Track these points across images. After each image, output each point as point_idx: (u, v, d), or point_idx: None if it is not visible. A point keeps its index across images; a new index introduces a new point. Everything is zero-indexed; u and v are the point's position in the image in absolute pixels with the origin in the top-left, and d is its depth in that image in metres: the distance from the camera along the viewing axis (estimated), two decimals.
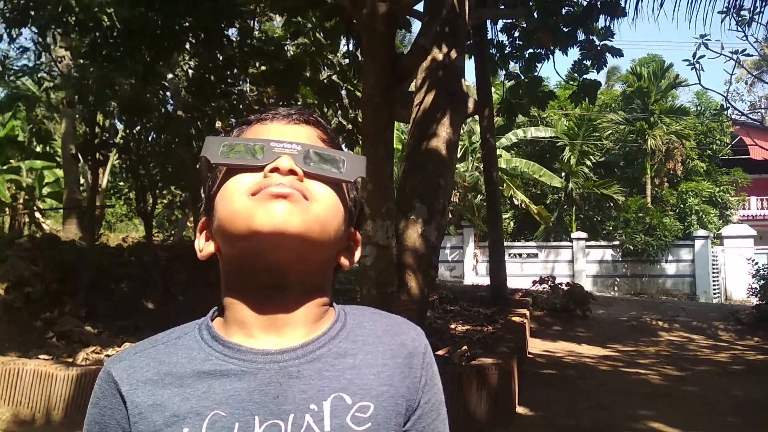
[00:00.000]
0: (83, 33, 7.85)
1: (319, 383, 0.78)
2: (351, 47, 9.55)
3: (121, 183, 12.44)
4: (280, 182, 0.79)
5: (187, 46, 9.01)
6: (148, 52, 8.30)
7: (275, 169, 0.80)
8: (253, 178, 0.81)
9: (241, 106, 10.45)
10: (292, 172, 0.80)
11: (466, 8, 6.10)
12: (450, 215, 20.42)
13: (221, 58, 9.23)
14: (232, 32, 10.13)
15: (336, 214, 0.83)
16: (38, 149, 19.56)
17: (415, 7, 6.51)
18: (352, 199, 0.89)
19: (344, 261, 0.89)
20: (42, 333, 6.65)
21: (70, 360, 5.75)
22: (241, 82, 10.96)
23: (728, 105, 17.06)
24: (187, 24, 8.04)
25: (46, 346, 6.30)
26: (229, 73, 9.71)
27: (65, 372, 5.04)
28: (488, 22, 10.34)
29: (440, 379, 0.90)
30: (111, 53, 8.07)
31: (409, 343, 0.86)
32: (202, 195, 0.91)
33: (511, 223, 24.52)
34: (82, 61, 9.25)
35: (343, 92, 10.46)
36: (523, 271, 20.56)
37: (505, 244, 15.45)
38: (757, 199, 26.67)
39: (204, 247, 0.87)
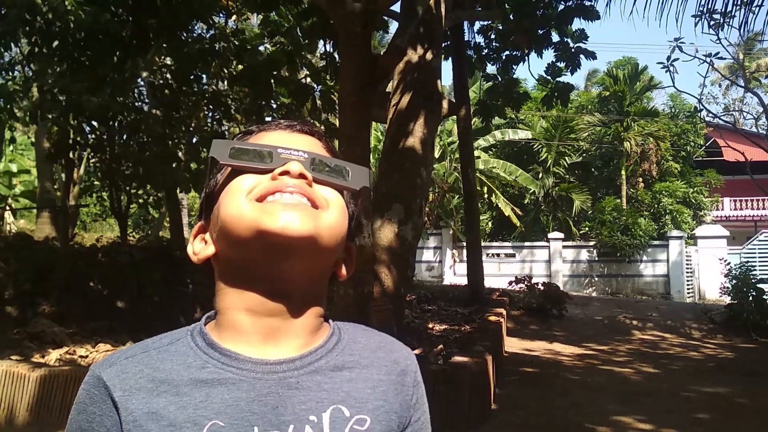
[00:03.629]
0: (48, 38, 7.69)
1: (318, 395, 0.78)
2: (329, 48, 9.54)
3: (96, 182, 12.27)
4: (291, 186, 0.79)
5: (156, 46, 8.92)
6: (114, 55, 8.21)
7: (285, 173, 0.79)
8: (261, 181, 0.80)
9: (212, 105, 10.41)
10: (302, 176, 0.80)
11: (443, 10, 6.13)
12: (428, 215, 20.48)
13: (194, 56, 9.15)
14: (207, 31, 10.09)
15: (343, 221, 0.83)
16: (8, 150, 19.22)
17: (391, 8, 6.52)
18: (351, 212, 0.88)
19: (342, 271, 0.88)
20: (14, 334, 6.55)
21: (43, 360, 5.68)
22: (215, 81, 10.91)
23: (702, 107, 17.39)
24: (152, 23, 7.96)
25: (18, 347, 6.21)
26: (196, 72, 9.64)
27: (36, 373, 4.97)
28: (465, 23, 10.39)
29: (427, 401, 0.91)
30: (78, 58, 7.96)
31: (402, 361, 0.87)
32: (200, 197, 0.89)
33: (489, 224, 24.66)
34: (33, 67, 9.05)
35: (317, 94, 10.46)
36: (501, 271, 20.67)
37: (483, 244, 15.55)
38: (730, 200, 27.11)
39: (201, 250, 0.85)
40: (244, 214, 0.77)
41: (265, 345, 0.79)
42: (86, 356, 5.94)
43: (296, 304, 0.81)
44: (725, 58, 17.88)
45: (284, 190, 0.78)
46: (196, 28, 10.11)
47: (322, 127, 10.20)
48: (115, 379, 0.78)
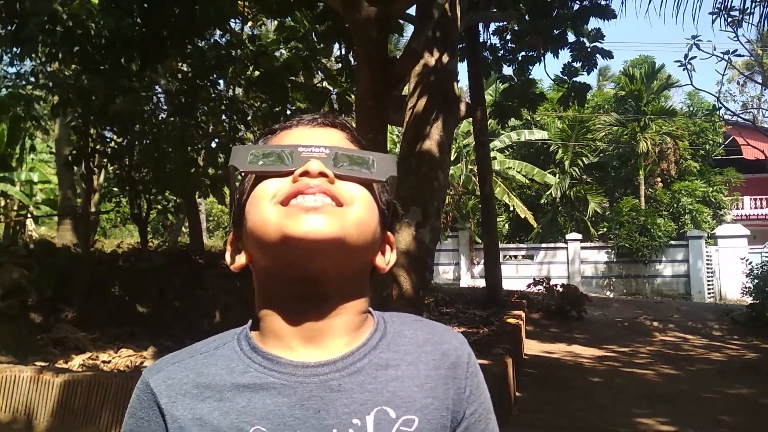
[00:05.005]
0: (68, 45, 7.79)
1: (361, 396, 0.76)
2: (344, 51, 9.58)
3: (115, 189, 12.40)
4: (313, 186, 0.77)
5: (173, 53, 9.01)
6: (134, 61, 8.29)
7: (305, 173, 0.78)
8: (283, 183, 0.79)
9: (229, 112, 10.48)
10: (322, 174, 0.78)
11: (458, 12, 6.13)
12: (445, 218, 20.45)
13: (211, 62, 9.23)
14: (222, 37, 10.17)
15: (372, 215, 0.81)
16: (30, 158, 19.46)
17: (407, 12, 6.54)
18: (384, 201, 0.86)
19: (380, 263, 0.86)
20: (37, 339, 6.63)
21: (66, 366, 5.74)
22: (232, 87, 10.99)
23: (720, 105, 17.20)
24: (167, 33, 8.04)
25: (41, 353, 6.28)
26: (214, 77, 9.71)
27: (60, 378, 5.03)
28: (480, 24, 10.38)
29: (486, 387, 0.87)
30: (98, 65, 8.05)
31: (452, 353, 0.84)
32: (231, 205, 0.89)
33: (506, 225, 24.56)
34: (64, 71, 9.20)
35: (333, 97, 10.49)
36: (519, 273, 20.58)
37: (500, 246, 15.49)
38: (751, 199, 26.77)
39: (236, 259, 0.84)
40: (269, 220, 0.76)
41: (307, 347, 0.79)
42: (109, 361, 5.99)
43: (334, 303, 0.79)
44: (743, 56, 17.68)
45: (306, 192, 0.77)
46: (213, 34, 10.18)
47: None
48: (161, 385, 0.79)
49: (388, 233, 0.88)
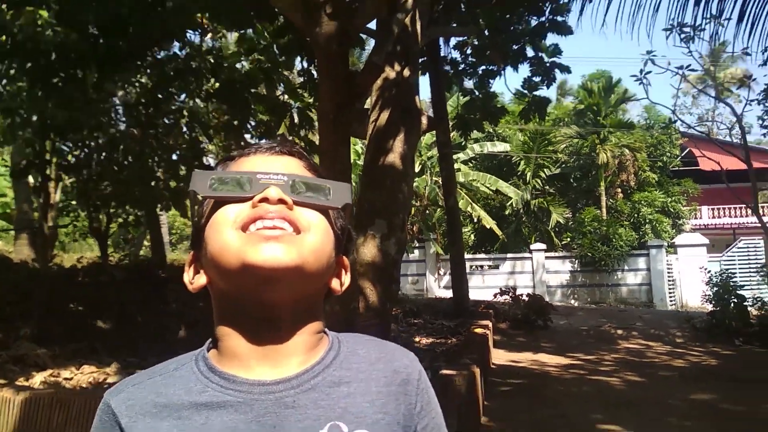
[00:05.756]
0: (20, 58, 7.63)
1: (314, 412, 0.79)
2: (305, 64, 9.57)
3: (73, 202, 12.14)
4: (272, 212, 0.79)
5: (129, 65, 8.87)
6: (86, 75, 8.15)
7: (264, 199, 0.80)
8: (243, 209, 0.81)
9: (191, 124, 10.36)
10: (281, 201, 0.80)
11: (418, 27, 6.18)
12: (410, 229, 20.50)
13: (169, 75, 9.12)
14: (181, 50, 10.06)
15: (328, 241, 0.84)
16: None
17: (367, 26, 6.57)
18: (340, 227, 0.89)
19: (335, 286, 0.90)
20: None
21: (27, 384, 5.58)
22: (193, 99, 10.87)
23: (676, 118, 17.64)
24: (123, 45, 7.93)
25: (0, 371, 6.10)
26: (172, 91, 9.60)
27: (21, 396, 4.89)
28: (441, 39, 10.48)
29: (438, 404, 0.91)
30: (49, 79, 7.89)
31: (403, 370, 0.87)
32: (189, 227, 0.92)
33: (472, 236, 24.74)
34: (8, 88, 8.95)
35: (294, 110, 10.47)
36: (485, 283, 20.73)
37: (467, 256, 15.59)
38: (708, 209, 27.47)
39: (195, 279, 0.86)
40: (230, 246, 0.78)
41: (263, 366, 0.81)
42: (71, 378, 5.85)
43: (289, 326, 0.83)
44: (696, 70, 18.20)
45: (265, 217, 0.79)
46: (172, 46, 10.06)
47: (302, 144, 10.19)
48: (121, 405, 0.81)
49: (343, 257, 0.91)
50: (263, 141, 0.96)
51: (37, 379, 5.72)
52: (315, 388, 0.81)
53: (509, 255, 22.56)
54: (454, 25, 9.36)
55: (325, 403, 0.80)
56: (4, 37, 7.26)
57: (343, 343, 0.88)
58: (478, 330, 8.14)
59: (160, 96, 9.59)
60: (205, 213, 0.85)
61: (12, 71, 8.11)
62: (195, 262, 0.87)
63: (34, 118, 8.80)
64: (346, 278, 0.92)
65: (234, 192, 0.82)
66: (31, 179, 12.01)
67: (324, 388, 0.81)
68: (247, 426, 0.76)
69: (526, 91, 10.52)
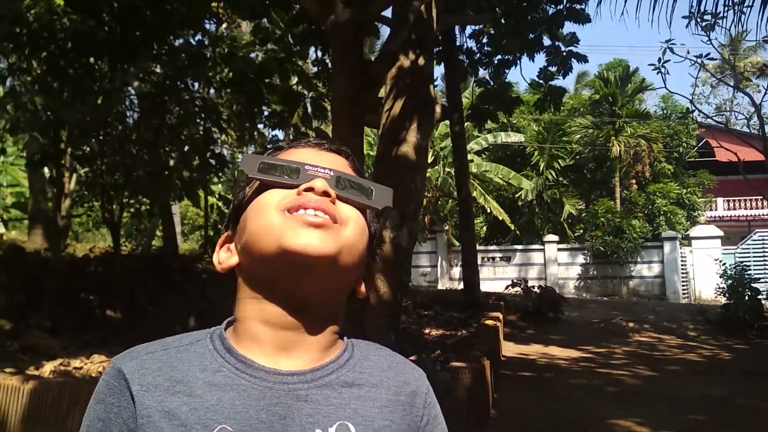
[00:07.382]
0: (35, 49, 7.63)
1: (326, 409, 0.79)
2: (319, 54, 9.52)
3: (87, 192, 12.18)
4: (314, 202, 0.80)
5: (144, 54, 8.85)
6: (101, 64, 8.14)
7: (310, 189, 0.81)
8: (288, 195, 0.82)
9: (203, 114, 10.34)
10: (326, 193, 0.82)
11: (434, 14, 6.12)
12: (422, 220, 20.46)
13: (183, 63, 9.10)
14: (195, 38, 10.04)
15: (362, 239, 0.85)
16: None
17: (382, 14, 6.52)
18: (373, 231, 0.90)
19: (362, 289, 0.90)
20: (7, 346, 6.49)
21: (37, 373, 5.62)
22: (206, 89, 10.85)
23: (693, 108, 17.45)
24: (139, 33, 7.90)
25: (11, 360, 6.15)
26: (188, 79, 9.59)
27: (29, 385, 4.92)
28: (456, 28, 10.39)
29: (444, 420, 0.91)
30: (65, 69, 7.88)
31: (413, 382, 0.88)
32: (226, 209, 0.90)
33: (484, 227, 24.65)
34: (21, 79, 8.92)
35: (307, 100, 10.44)
36: (497, 275, 20.66)
37: (478, 248, 15.53)
38: (724, 201, 27.17)
39: (224, 260, 0.87)
40: (272, 226, 0.80)
41: (280, 356, 0.81)
42: (81, 368, 5.89)
43: (312, 319, 0.83)
44: (716, 59, 17.96)
45: (307, 206, 0.80)
46: (187, 35, 10.03)
47: (313, 134, 10.15)
48: (134, 373, 0.80)
49: (371, 262, 0.91)
50: (312, 137, 0.98)
51: (47, 368, 5.77)
52: (328, 385, 0.81)
53: (521, 247, 22.46)
54: (470, 13, 9.27)
55: (336, 402, 0.80)
56: (18, 29, 7.26)
57: (356, 347, 0.89)
58: (489, 322, 8.11)
59: (176, 84, 9.57)
60: (248, 194, 0.86)
61: (25, 64, 8.09)
62: (228, 243, 0.88)
63: (46, 114, 8.76)
64: (371, 283, 0.92)
65: (281, 178, 0.84)
66: (46, 170, 12.05)
67: (337, 387, 0.81)
68: (257, 413, 0.77)
69: (542, 81, 10.42)
